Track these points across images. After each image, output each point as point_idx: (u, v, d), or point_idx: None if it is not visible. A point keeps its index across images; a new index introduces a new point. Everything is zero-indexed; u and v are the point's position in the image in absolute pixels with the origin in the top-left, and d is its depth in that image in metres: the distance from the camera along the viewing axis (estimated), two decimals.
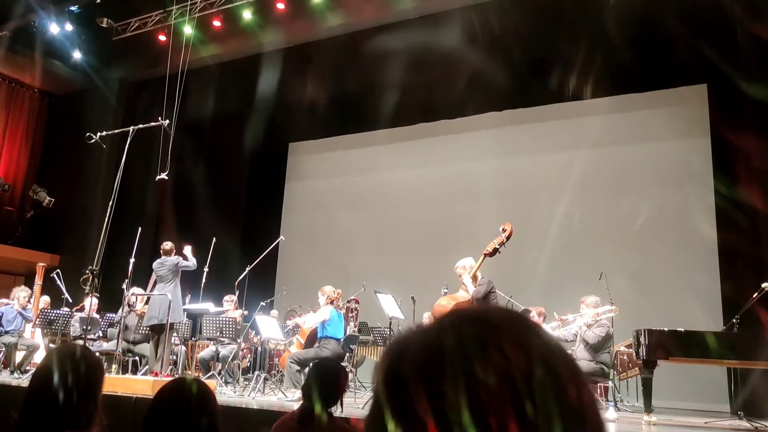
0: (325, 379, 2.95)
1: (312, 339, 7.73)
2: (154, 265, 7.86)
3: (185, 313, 8.18)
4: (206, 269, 8.51)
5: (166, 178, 7.74)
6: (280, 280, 13.05)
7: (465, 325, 0.58)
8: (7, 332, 8.61)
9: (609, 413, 6.27)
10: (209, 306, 8.43)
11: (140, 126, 7.06)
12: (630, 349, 7.45)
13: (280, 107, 12.69)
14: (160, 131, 7.69)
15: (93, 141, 6.96)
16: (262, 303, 8.86)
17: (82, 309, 8.96)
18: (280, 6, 10.66)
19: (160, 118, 7.17)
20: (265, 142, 13.44)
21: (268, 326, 7.92)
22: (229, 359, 8.27)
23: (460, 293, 6.32)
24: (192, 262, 7.87)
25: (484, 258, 6.26)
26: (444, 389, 0.54)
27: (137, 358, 8.57)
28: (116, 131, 7.78)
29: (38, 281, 10.10)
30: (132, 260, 7.98)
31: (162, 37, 11.75)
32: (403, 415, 0.55)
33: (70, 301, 9.49)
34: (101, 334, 9.16)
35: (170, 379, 6.42)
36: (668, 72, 10.04)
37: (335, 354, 7.24)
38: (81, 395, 1.80)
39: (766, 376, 7.22)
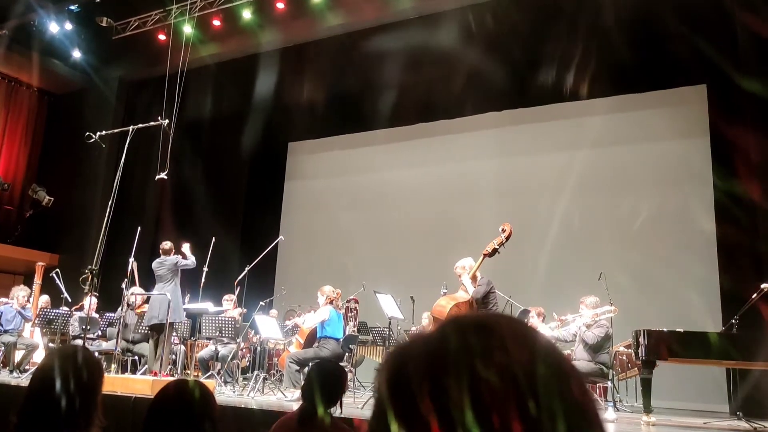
0: (325, 379, 2.95)
1: (311, 339, 7.73)
2: (154, 264, 7.85)
3: (184, 313, 8.18)
4: (206, 269, 8.51)
5: (166, 177, 7.74)
6: (279, 280, 13.05)
7: (467, 329, 0.59)
8: (6, 331, 8.60)
9: (608, 413, 6.27)
10: (208, 306, 8.43)
11: (140, 125, 7.05)
12: (629, 350, 7.46)
13: (280, 107, 12.69)
14: (159, 131, 7.69)
15: (92, 140, 6.95)
16: (261, 302, 8.86)
17: (81, 308, 8.96)
18: (280, 5, 10.65)
19: (159, 118, 7.17)
20: (265, 141, 13.44)
21: (268, 326, 7.92)
22: (229, 359, 8.27)
23: (459, 293, 6.32)
24: (191, 261, 7.87)
25: (483, 258, 6.26)
26: (447, 389, 0.54)
27: (136, 357, 8.57)
28: (116, 131, 7.78)
29: (37, 280, 10.10)
30: (131, 260, 7.98)
31: (162, 37, 11.74)
32: (406, 417, 0.56)
33: (70, 300, 9.49)
34: (100, 334, 9.16)
35: (169, 378, 6.42)
36: (668, 72, 10.04)
37: (334, 354, 7.24)
38: (80, 396, 1.79)
39: (766, 377, 7.23)
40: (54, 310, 8.73)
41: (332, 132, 13.32)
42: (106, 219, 6.48)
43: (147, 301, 8.39)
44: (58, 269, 9.78)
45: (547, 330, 7.26)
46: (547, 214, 10.49)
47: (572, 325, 6.97)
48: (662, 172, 10.15)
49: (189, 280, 8.62)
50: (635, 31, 9.42)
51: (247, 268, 8.74)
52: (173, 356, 8.42)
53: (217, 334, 7.97)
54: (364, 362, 9.63)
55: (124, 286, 8.14)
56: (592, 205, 10.45)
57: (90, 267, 6.22)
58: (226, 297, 9.12)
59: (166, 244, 7.91)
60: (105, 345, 8.88)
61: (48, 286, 9.90)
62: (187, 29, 10.96)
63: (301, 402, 3.02)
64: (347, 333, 8.29)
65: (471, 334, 0.58)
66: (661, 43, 9.58)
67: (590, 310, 6.77)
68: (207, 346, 8.74)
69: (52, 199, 9.15)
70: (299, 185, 13.95)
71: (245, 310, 9.05)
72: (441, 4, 10.09)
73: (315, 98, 12.76)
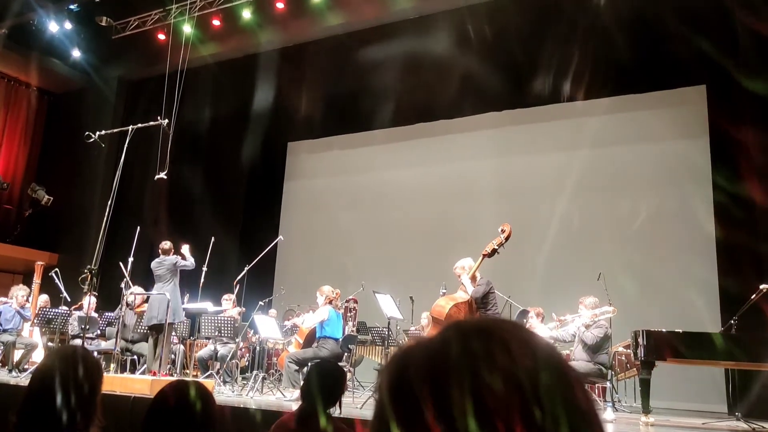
0: (324, 380, 2.95)
1: (310, 339, 7.73)
2: (153, 264, 7.85)
3: (184, 312, 8.18)
4: (205, 268, 8.51)
5: (165, 177, 7.73)
6: (278, 280, 13.05)
7: (470, 333, 0.59)
8: (5, 331, 8.60)
9: (607, 414, 6.28)
10: (208, 305, 8.43)
11: (139, 125, 7.05)
12: (628, 350, 7.47)
13: (279, 107, 12.69)
14: (158, 130, 7.69)
15: (92, 140, 6.95)
16: (260, 302, 8.87)
17: (80, 308, 8.95)
18: (280, 5, 10.65)
19: (159, 118, 7.17)
20: (264, 141, 13.44)
21: (267, 326, 7.92)
22: (228, 358, 8.27)
23: (458, 294, 6.32)
24: (190, 262, 7.86)
25: (482, 258, 6.26)
26: (449, 393, 0.54)
27: (135, 357, 8.57)
28: (115, 130, 7.77)
29: (37, 280, 10.10)
30: (131, 259, 7.98)
31: (161, 36, 11.74)
32: (407, 421, 0.56)
33: (69, 299, 9.49)
34: (99, 333, 9.16)
35: (168, 378, 6.43)
36: (667, 72, 10.05)
37: (333, 354, 7.24)
38: (79, 396, 1.80)
39: (765, 377, 7.24)
40: (53, 310, 8.73)
41: (331, 132, 13.32)
42: (105, 218, 6.48)
43: (147, 300, 8.38)
44: (57, 269, 9.78)
45: (546, 330, 7.26)
46: (546, 214, 10.50)
47: (571, 325, 6.97)
48: (662, 173, 10.15)
49: (188, 279, 8.62)
50: (634, 32, 9.42)
51: (246, 268, 8.74)
52: (172, 356, 8.42)
53: (216, 333, 7.97)
54: (363, 362, 9.63)
55: (123, 285, 8.14)
56: (592, 206, 10.46)
57: (89, 266, 6.22)
58: (225, 297, 9.12)
59: (166, 244, 7.91)
60: (104, 344, 8.88)
61: (47, 286, 9.90)
62: (187, 29, 10.96)
63: (300, 402, 3.03)
64: (346, 333, 8.29)
65: (473, 338, 0.58)
66: (660, 44, 9.59)
67: (589, 311, 6.77)
68: (206, 345, 8.74)
69: (52, 198, 9.14)
70: (298, 185, 13.95)
71: (244, 309, 9.05)
72: (441, 4, 10.10)
73: (314, 98, 12.76)
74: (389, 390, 0.59)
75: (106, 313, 9.23)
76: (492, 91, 10.96)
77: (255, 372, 7.86)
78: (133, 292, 8.45)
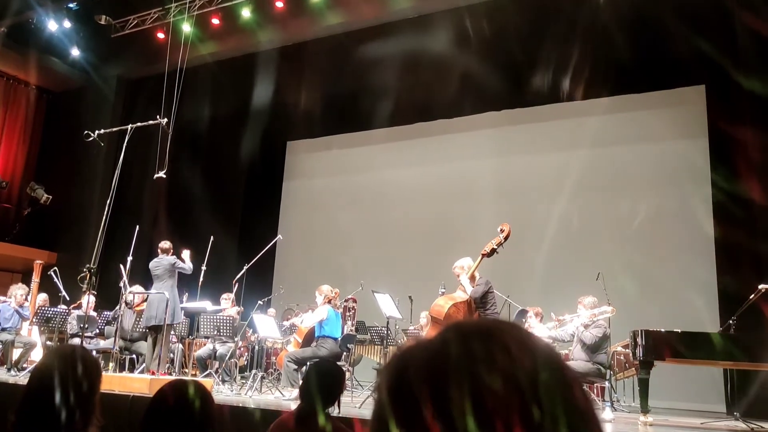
0: (323, 379, 2.95)
1: (309, 338, 7.73)
2: (151, 264, 7.84)
3: (182, 312, 8.18)
4: (204, 268, 8.51)
5: (164, 176, 7.73)
6: (277, 279, 13.06)
7: (470, 334, 0.59)
8: (4, 329, 8.60)
9: (605, 413, 6.28)
10: (207, 304, 8.43)
11: (138, 124, 7.04)
12: (627, 350, 7.47)
13: (278, 106, 12.69)
14: (158, 129, 7.68)
15: (91, 139, 6.95)
16: (259, 301, 8.87)
17: (79, 307, 8.95)
18: (279, 4, 10.65)
19: (158, 117, 7.16)
20: (263, 140, 13.44)
21: (266, 325, 7.92)
22: (227, 357, 8.27)
23: (457, 293, 6.32)
24: (188, 266, 7.84)
25: (482, 258, 6.26)
26: (449, 394, 0.54)
27: (134, 356, 8.57)
28: (114, 129, 7.76)
29: (35, 279, 10.09)
30: (129, 258, 7.97)
31: (160, 35, 11.73)
32: (407, 421, 0.56)
33: (68, 298, 9.48)
34: (98, 332, 9.15)
35: (167, 377, 6.42)
36: (666, 72, 10.06)
37: (332, 353, 7.24)
38: (78, 395, 1.80)
39: (763, 377, 7.25)
40: (52, 309, 8.73)
41: (331, 131, 13.32)
42: (104, 217, 6.48)
43: (146, 299, 8.38)
44: (56, 267, 9.77)
45: (544, 330, 7.27)
46: (545, 214, 10.50)
47: (570, 325, 6.97)
48: (661, 173, 10.16)
49: (187, 278, 8.60)
50: (634, 31, 9.42)
51: (245, 267, 8.74)
52: (171, 355, 8.42)
53: (215, 332, 7.97)
54: (362, 361, 9.64)
55: (122, 284, 8.14)
56: (591, 205, 10.46)
57: (88, 265, 6.21)
58: (224, 296, 9.12)
59: (165, 244, 7.89)
60: (103, 343, 8.88)
61: (46, 285, 9.89)
62: (186, 28, 10.95)
63: (299, 401, 3.02)
64: (345, 332, 8.29)
65: (473, 339, 0.58)
66: (659, 43, 9.59)
67: (588, 311, 6.77)
68: (205, 344, 8.74)
69: (51, 197, 9.13)
70: (297, 184, 13.95)
71: (242, 309, 9.05)
72: (440, 3, 10.10)
73: (313, 97, 12.75)
74: (389, 390, 0.59)
75: (105, 312, 9.23)
76: (491, 91, 10.96)
77: (254, 371, 7.86)
78: (132, 291, 8.44)
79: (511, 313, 8.43)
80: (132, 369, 8.35)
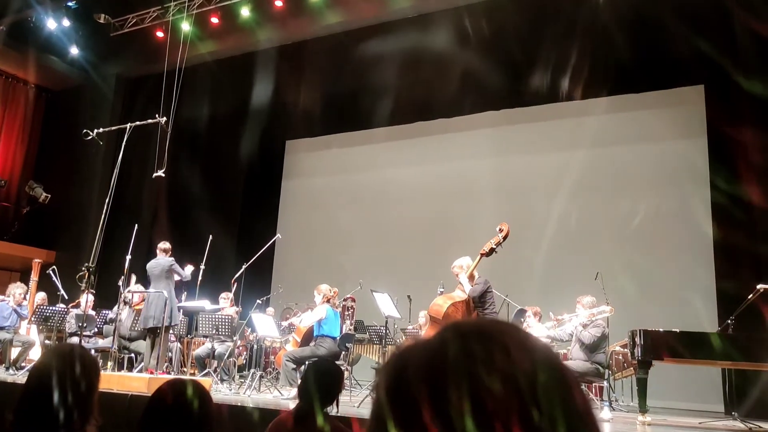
0: (322, 378, 2.95)
1: (308, 337, 7.73)
2: (149, 265, 7.83)
3: (181, 311, 8.18)
4: (203, 267, 8.50)
5: (163, 175, 7.72)
6: (276, 278, 13.06)
7: (468, 335, 0.59)
8: (2, 328, 8.59)
9: (604, 413, 6.29)
10: (205, 303, 8.42)
11: (137, 123, 7.04)
12: (625, 349, 7.47)
13: (278, 105, 12.68)
14: (157, 128, 7.68)
15: (90, 137, 6.95)
16: (258, 301, 8.86)
17: (77, 305, 8.94)
18: (279, 3, 10.64)
19: (157, 115, 7.16)
20: (262, 139, 13.43)
21: (265, 324, 7.92)
22: (225, 357, 8.27)
23: (456, 293, 6.32)
24: (185, 273, 7.84)
25: (480, 257, 6.26)
26: (447, 394, 0.54)
27: (133, 355, 8.56)
28: (113, 128, 7.75)
29: (34, 277, 10.08)
30: (128, 257, 7.96)
31: (159, 34, 11.72)
32: (405, 422, 0.56)
33: (66, 297, 9.47)
34: (97, 331, 9.14)
35: (166, 376, 6.42)
36: (666, 72, 10.06)
37: (331, 352, 7.24)
38: (77, 395, 1.79)
39: (761, 377, 7.25)
40: (50, 307, 8.72)
41: (330, 130, 13.31)
42: (103, 216, 6.48)
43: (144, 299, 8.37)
44: (54, 266, 9.76)
45: (543, 330, 7.28)
46: (544, 213, 10.51)
47: (568, 324, 6.98)
48: (660, 172, 10.16)
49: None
50: (633, 31, 9.43)
51: (244, 266, 8.74)
52: (169, 354, 8.41)
53: (214, 332, 7.97)
54: (360, 361, 9.65)
55: (120, 283, 8.13)
56: (590, 205, 10.47)
57: (87, 264, 6.21)
58: (222, 295, 9.12)
59: (164, 244, 7.88)
60: (101, 342, 8.87)
61: (45, 283, 9.88)
62: (185, 27, 10.94)
63: (297, 400, 3.03)
64: (344, 331, 8.29)
65: (472, 340, 0.58)
66: (659, 43, 9.60)
67: (586, 310, 6.78)
68: (203, 343, 8.74)
69: (49, 195, 9.13)
70: (296, 183, 13.95)
71: (240, 309, 9.05)
72: (439, 3, 10.09)
73: (313, 96, 12.75)
74: (387, 390, 0.59)
75: (104, 311, 9.22)
76: (491, 90, 10.97)
77: (252, 370, 7.86)
78: (131, 290, 8.44)
79: (509, 313, 8.43)
80: (130, 368, 8.35)
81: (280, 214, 13.80)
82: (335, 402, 3.05)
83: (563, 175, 10.58)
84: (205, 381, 6.70)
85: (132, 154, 7.86)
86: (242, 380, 8.12)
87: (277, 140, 14.09)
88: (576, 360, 6.55)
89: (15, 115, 13.44)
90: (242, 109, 12.63)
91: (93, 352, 8.18)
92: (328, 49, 11.45)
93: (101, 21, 12.09)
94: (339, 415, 3.44)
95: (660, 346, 5.83)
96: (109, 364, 7.62)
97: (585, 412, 0.57)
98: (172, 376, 5.89)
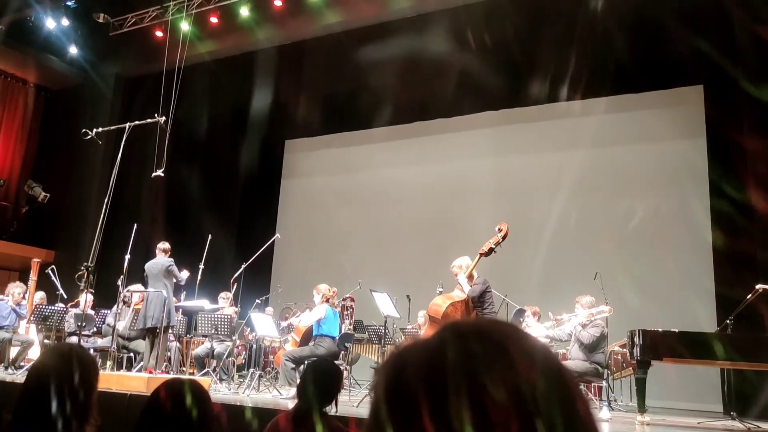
0: (321, 378, 2.95)
1: (307, 337, 7.73)
2: (147, 265, 7.83)
3: (180, 310, 8.17)
4: (201, 266, 8.50)
5: (162, 174, 7.72)
6: (275, 278, 13.05)
7: (467, 335, 0.59)
8: (1, 328, 8.58)
9: (602, 413, 6.29)
10: (204, 303, 8.42)
11: (136, 122, 7.04)
12: (624, 349, 7.48)
13: (277, 104, 12.67)
14: (156, 128, 7.68)
15: (89, 137, 6.94)
16: (257, 300, 8.86)
17: (76, 305, 8.94)
18: (278, 3, 10.64)
19: (156, 115, 7.16)
20: (261, 139, 13.42)
21: (264, 323, 7.92)
22: (224, 356, 8.27)
23: (455, 292, 6.32)
24: (180, 277, 7.84)
25: (479, 257, 6.26)
26: (447, 395, 0.54)
27: (132, 354, 8.55)
28: (112, 127, 7.75)
29: (33, 277, 10.07)
30: (127, 257, 7.96)
31: (159, 33, 11.71)
32: (403, 422, 0.56)
33: (65, 297, 9.47)
34: (96, 330, 9.14)
35: (165, 376, 6.42)
36: (665, 72, 10.06)
37: (330, 352, 7.24)
38: (75, 394, 1.79)
39: (759, 377, 7.26)
40: (49, 307, 8.72)
41: (329, 130, 13.31)
42: (102, 216, 6.48)
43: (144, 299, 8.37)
44: (53, 266, 9.76)
45: (542, 329, 7.28)
46: (543, 213, 10.51)
47: (567, 324, 6.98)
48: (659, 172, 10.17)
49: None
50: (632, 31, 9.42)
51: (243, 266, 8.73)
52: (168, 353, 8.41)
53: (213, 331, 7.97)
54: (359, 360, 9.64)
55: (119, 283, 8.12)
56: (589, 205, 10.47)
57: (86, 264, 6.21)
58: (221, 295, 9.12)
59: (164, 244, 7.88)
60: (100, 342, 8.86)
61: (43, 283, 9.87)
62: (185, 26, 10.94)
63: (296, 400, 3.03)
64: (343, 331, 8.29)
65: (471, 340, 0.58)
66: (658, 44, 9.60)
67: (585, 310, 6.78)
68: (203, 343, 8.74)
69: (48, 195, 9.15)
70: (296, 183, 13.95)
71: (239, 309, 9.04)
72: (439, 3, 10.09)
73: (312, 96, 12.75)
74: (386, 389, 0.59)
75: (103, 311, 9.22)
76: (490, 90, 10.96)
77: (251, 370, 7.85)
78: (130, 290, 8.43)
79: (508, 313, 8.43)
80: (129, 367, 8.35)
81: (279, 214, 13.79)
82: (334, 402, 3.05)
83: (562, 175, 10.58)
84: (204, 380, 6.70)
85: (131, 153, 7.87)
86: (241, 380, 8.12)
87: (276, 140, 14.08)
88: (575, 360, 6.56)
89: (14, 114, 13.43)
90: (241, 108, 12.63)
91: (92, 351, 8.17)
92: (328, 48, 11.45)
93: (100, 20, 12.08)
94: (338, 414, 3.44)
95: (659, 346, 5.83)
96: (108, 363, 7.62)
97: (583, 413, 0.57)
98: (171, 376, 5.90)
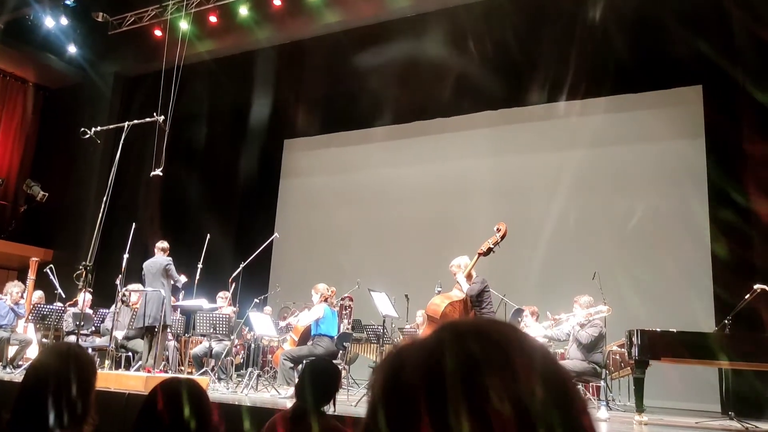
0: (319, 377, 2.95)
1: (306, 336, 7.73)
2: (146, 263, 7.82)
3: (178, 310, 8.17)
4: (200, 266, 8.49)
5: (161, 174, 7.72)
6: (273, 277, 13.04)
7: (466, 335, 0.59)
8: None
9: (601, 412, 6.30)
10: (203, 302, 8.42)
11: (135, 121, 7.03)
12: (622, 349, 7.48)
13: (276, 104, 12.67)
14: (154, 127, 7.67)
15: (87, 136, 6.94)
16: (255, 300, 8.86)
17: (75, 304, 8.93)
18: (277, 2, 10.64)
19: (155, 114, 7.15)
20: (260, 138, 13.41)
21: (262, 323, 7.92)
22: (223, 356, 8.27)
23: (454, 292, 6.32)
24: (177, 278, 7.84)
25: (478, 257, 6.27)
26: (446, 395, 0.54)
27: (130, 353, 8.55)
28: (111, 126, 7.75)
29: (31, 276, 10.07)
30: (126, 256, 7.96)
31: (158, 32, 11.71)
32: (400, 422, 0.56)
33: (63, 296, 9.46)
34: (94, 330, 9.13)
35: (163, 375, 6.41)
36: (664, 72, 10.07)
37: (329, 351, 7.24)
38: (73, 393, 1.79)
39: (757, 377, 7.26)
40: (48, 306, 8.71)
41: (328, 130, 13.31)
42: (100, 215, 6.47)
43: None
44: (52, 265, 9.75)
45: (540, 329, 7.28)
46: (542, 213, 10.51)
47: (566, 324, 6.98)
48: (658, 173, 10.17)
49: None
50: (632, 32, 9.43)
51: (241, 266, 8.73)
52: (167, 353, 8.41)
53: (211, 331, 7.96)
54: (358, 360, 9.64)
55: (118, 282, 8.12)
56: (588, 205, 10.48)
57: (84, 263, 6.21)
58: (220, 294, 9.11)
59: (163, 243, 7.87)
60: (99, 341, 8.86)
61: (42, 282, 9.87)
62: (184, 25, 10.94)
63: (294, 399, 3.03)
64: (341, 331, 8.29)
65: (469, 340, 0.58)
66: (657, 44, 9.60)
67: (584, 310, 6.78)
68: (201, 342, 8.74)
69: (47, 194, 9.13)
70: (295, 182, 13.94)
71: (237, 309, 9.04)
72: (438, 3, 10.09)
73: (311, 95, 12.75)
74: (383, 389, 0.59)
75: (101, 310, 9.21)
76: (489, 90, 10.96)
77: (250, 369, 7.86)
78: (128, 289, 8.43)
79: (507, 312, 8.43)
80: (128, 367, 8.34)
81: (277, 213, 13.79)
82: (332, 401, 3.06)
83: (561, 175, 10.59)
84: (203, 380, 6.71)
85: (130, 152, 7.86)
86: (239, 379, 8.12)
87: (275, 139, 14.08)
88: (573, 359, 6.56)
89: (13, 113, 13.42)
90: (240, 108, 12.62)
91: (90, 350, 8.17)
92: (327, 48, 11.45)
93: (99, 19, 12.07)
94: (336, 414, 3.44)
95: (657, 345, 5.83)
96: (107, 362, 7.61)
97: (581, 412, 0.57)
98: (169, 375, 5.89)
